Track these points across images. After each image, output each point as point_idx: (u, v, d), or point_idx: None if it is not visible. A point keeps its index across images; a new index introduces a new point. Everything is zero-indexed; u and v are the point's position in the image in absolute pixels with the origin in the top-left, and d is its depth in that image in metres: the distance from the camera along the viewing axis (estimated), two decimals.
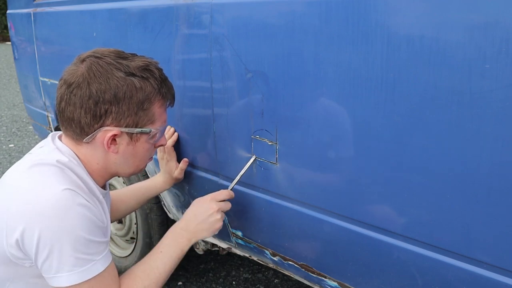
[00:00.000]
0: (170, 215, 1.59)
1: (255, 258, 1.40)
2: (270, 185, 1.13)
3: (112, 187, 1.79)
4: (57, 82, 0.97)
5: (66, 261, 0.87)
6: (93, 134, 0.94)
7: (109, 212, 1.09)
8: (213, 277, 1.96)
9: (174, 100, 1.05)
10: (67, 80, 0.93)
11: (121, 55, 0.95)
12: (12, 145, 3.87)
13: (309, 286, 1.27)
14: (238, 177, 1.16)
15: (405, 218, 0.89)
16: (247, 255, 1.42)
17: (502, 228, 0.76)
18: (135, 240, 1.75)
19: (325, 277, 1.14)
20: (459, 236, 0.82)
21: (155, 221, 1.62)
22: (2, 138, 4.09)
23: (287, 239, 1.18)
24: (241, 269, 2.02)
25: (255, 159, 1.14)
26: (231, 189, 1.17)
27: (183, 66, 1.26)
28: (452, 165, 0.79)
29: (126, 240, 1.84)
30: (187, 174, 1.38)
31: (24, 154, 1.02)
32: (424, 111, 0.79)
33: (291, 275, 1.29)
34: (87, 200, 0.91)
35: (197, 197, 1.40)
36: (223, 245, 1.47)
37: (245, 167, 1.15)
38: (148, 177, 1.51)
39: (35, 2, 2.12)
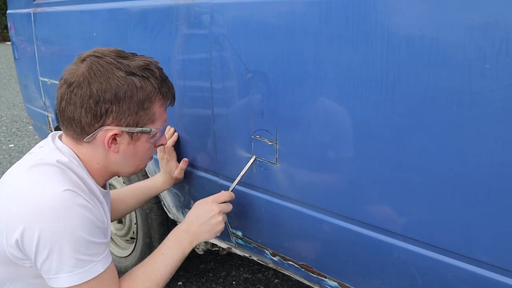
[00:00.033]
0: (170, 215, 1.59)
1: (255, 258, 1.40)
2: (270, 185, 1.13)
3: (112, 187, 1.79)
4: (57, 82, 0.97)
5: (66, 262, 0.87)
6: (94, 134, 0.94)
7: (109, 212, 1.09)
8: (213, 277, 1.96)
9: (174, 100, 1.05)
10: (67, 79, 0.93)
11: (121, 55, 0.95)
12: (12, 145, 3.87)
13: (309, 286, 1.27)
14: (238, 178, 1.16)
15: (405, 218, 0.89)
16: (247, 255, 1.42)
17: (502, 228, 0.76)
18: (135, 240, 1.75)
19: (325, 277, 1.14)
20: (459, 236, 0.82)
21: (155, 221, 1.62)
22: (2, 138, 4.09)
23: (287, 239, 1.18)
24: (241, 269, 2.02)
25: (255, 159, 1.14)
26: (231, 190, 1.17)
27: (183, 66, 1.26)
28: (452, 165, 0.79)
29: (126, 240, 1.84)
30: (187, 174, 1.38)
31: (24, 154, 1.02)
32: (424, 111, 0.79)
33: (291, 275, 1.29)
34: (87, 201, 0.91)
35: (197, 197, 1.40)
36: (223, 245, 1.47)
37: (245, 168, 1.15)
38: (148, 177, 1.51)
39: (35, 2, 2.12)
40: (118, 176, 1.73)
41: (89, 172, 0.98)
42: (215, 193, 1.30)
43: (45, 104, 2.24)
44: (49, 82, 2.09)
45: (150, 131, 0.98)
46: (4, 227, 0.87)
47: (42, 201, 0.86)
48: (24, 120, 4.76)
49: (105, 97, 0.90)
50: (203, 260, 2.07)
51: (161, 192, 1.42)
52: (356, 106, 0.89)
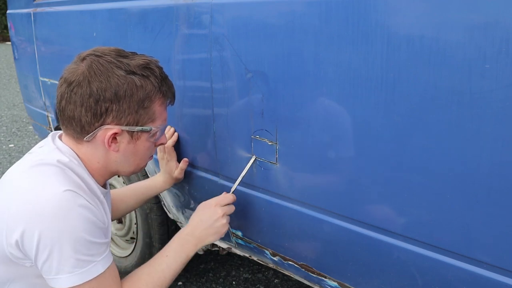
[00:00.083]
0: (170, 215, 1.59)
1: (255, 258, 1.40)
2: (270, 185, 1.13)
3: (112, 186, 1.79)
4: (57, 82, 0.97)
5: (66, 262, 0.87)
6: (94, 133, 0.93)
7: (110, 211, 1.09)
8: (213, 277, 1.96)
9: (174, 99, 1.05)
10: (67, 78, 0.93)
11: (121, 54, 0.95)
12: (12, 145, 3.87)
13: (309, 286, 1.27)
14: (239, 179, 1.16)
15: (405, 218, 0.89)
16: (247, 255, 1.42)
17: (502, 228, 0.76)
18: (135, 240, 1.75)
19: (325, 277, 1.14)
20: (459, 236, 0.82)
21: (155, 221, 1.62)
22: (2, 138, 4.09)
23: (287, 239, 1.18)
24: (241, 269, 2.02)
25: (255, 159, 1.14)
26: (233, 192, 1.18)
27: (183, 66, 1.26)
28: (452, 165, 0.79)
29: (126, 240, 1.84)
30: (187, 174, 1.38)
31: (24, 154, 1.02)
32: (424, 111, 0.79)
33: (291, 275, 1.29)
34: (88, 201, 0.91)
35: (197, 197, 1.40)
36: (223, 245, 1.47)
37: (245, 168, 1.15)
38: (148, 177, 1.51)
39: (35, 2, 2.12)
40: (118, 176, 1.74)
41: (89, 172, 0.98)
42: (215, 193, 1.30)
43: (45, 104, 2.24)
44: (49, 82, 2.09)
45: (150, 130, 0.98)
46: (4, 227, 0.87)
47: (42, 201, 0.86)
48: (24, 120, 4.76)
49: (105, 96, 0.90)
50: (203, 260, 2.07)
51: (161, 192, 1.42)
52: (356, 106, 0.89)
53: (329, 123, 0.95)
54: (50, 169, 0.91)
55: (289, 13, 0.95)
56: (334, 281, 1.12)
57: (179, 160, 1.36)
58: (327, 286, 1.15)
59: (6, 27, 14.91)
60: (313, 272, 1.16)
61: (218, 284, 1.91)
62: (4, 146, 3.84)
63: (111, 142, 0.95)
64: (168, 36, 1.27)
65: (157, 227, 1.63)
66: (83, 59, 0.93)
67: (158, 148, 1.36)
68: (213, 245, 1.54)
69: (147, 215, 1.63)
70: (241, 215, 1.25)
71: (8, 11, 2.57)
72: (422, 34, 0.77)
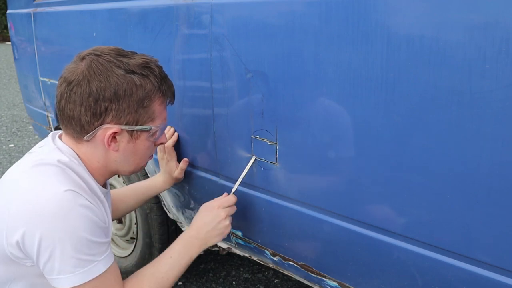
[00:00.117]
0: (170, 215, 1.59)
1: (255, 258, 1.40)
2: (270, 185, 1.13)
3: (112, 186, 1.79)
4: (57, 82, 0.97)
5: (68, 262, 0.87)
6: (93, 132, 0.93)
7: (110, 211, 1.09)
8: (213, 277, 1.96)
9: (174, 98, 1.05)
10: (67, 78, 0.93)
11: (121, 53, 0.95)
12: (12, 145, 3.87)
13: (309, 286, 1.27)
14: (240, 179, 1.16)
15: (405, 218, 0.89)
16: (247, 255, 1.42)
17: (502, 228, 0.76)
18: (135, 240, 1.75)
19: (325, 277, 1.14)
20: (459, 236, 0.82)
21: (155, 221, 1.62)
22: (2, 138, 4.09)
23: (287, 239, 1.18)
24: (241, 269, 2.02)
25: (255, 159, 1.14)
26: (234, 192, 1.18)
27: (183, 66, 1.26)
28: (452, 165, 0.79)
29: (126, 240, 1.84)
30: (187, 174, 1.38)
31: (24, 154, 1.02)
32: (424, 111, 0.79)
33: (291, 275, 1.29)
34: (89, 201, 0.91)
35: (197, 197, 1.40)
36: (223, 245, 1.47)
37: (246, 169, 1.15)
38: (148, 177, 1.51)
39: (35, 2, 2.12)
40: (118, 176, 1.74)
41: (89, 171, 0.98)
42: (215, 193, 1.30)
43: (45, 104, 2.24)
44: (49, 82, 2.09)
45: (150, 129, 0.98)
46: (5, 227, 0.87)
47: (43, 201, 0.85)
48: (24, 120, 4.76)
49: (104, 95, 0.90)
50: (203, 260, 2.07)
51: (161, 192, 1.42)
52: (356, 106, 0.89)
53: (329, 123, 0.95)
54: (50, 169, 0.91)
55: (289, 13, 0.95)
56: (334, 281, 1.12)
57: (179, 160, 1.36)
58: (327, 286, 1.15)
59: (6, 27, 14.91)
60: (313, 272, 1.16)
61: (218, 284, 1.91)
62: (4, 146, 3.84)
63: (111, 142, 0.95)
64: (168, 36, 1.27)
65: (157, 227, 1.63)
66: (83, 58, 0.93)
67: (158, 148, 1.36)
68: (213, 245, 1.54)
69: (147, 215, 1.63)
70: (241, 215, 1.25)
71: (8, 11, 2.57)
72: (422, 34, 0.77)
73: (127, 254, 1.80)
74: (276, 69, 1.01)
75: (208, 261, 2.07)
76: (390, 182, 0.88)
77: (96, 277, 0.90)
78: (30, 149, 1.03)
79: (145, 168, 1.56)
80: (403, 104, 0.82)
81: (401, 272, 0.95)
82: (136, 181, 1.52)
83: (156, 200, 1.58)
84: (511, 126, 0.71)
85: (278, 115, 1.04)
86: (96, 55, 0.93)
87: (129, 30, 1.41)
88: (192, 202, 1.45)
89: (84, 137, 0.94)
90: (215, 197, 1.32)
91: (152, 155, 1.08)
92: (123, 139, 0.97)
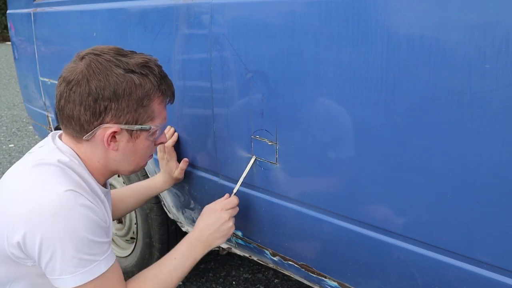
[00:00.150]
0: (170, 215, 1.59)
1: (255, 258, 1.40)
2: (270, 185, 1.13)
3: (112, 186, 1.79)
4: (57, 82, 0.97)
5: (69, 263, 0.87)
6: (93, 132, 0.93)
7: (110, 211, 1.09)
8: (213, 277, 1.96)
9: (173, 97, 1.05)
10: (66, 77, 0.93)
11: (120, 52, 0.95)
12: (12, 145, 3.87)
13: (309, 286, 1.27)
14: (241, 180, 1.16)
15: (405, 218, 0.89)
16: (247, 255, 1.42)
17: (502, 228, 0.76)
18: (135, 240, 1.75)
19: (325, 277, 1.14)
20: (459, 236, 0.82)
21: (155, 221, 1.62)
22: (2, 138, 4.09)
23: (287, 239, 1.18)
24: (241, 269, 2.02)
25: (255, 159, 1.14)
26: (235, 193, 1.18)
27: (183, 66, 1.26)
28: (452, 165, 0.79)
29: (126, 240, 1.84)
30: (187, 174, 1.38)
31: (24, 154, 1.02)
32: (424, 111, 0.79)
33: (291, 275, 1.29)
34: (89, 201, 0.91)
35: (197, 197, 1.40)
36: (223, 245, 1.47)
37: (246, 169, 1.15)
38: (148, 177, 1.51)
39: (35, 2, 2.12)
40: (118, 176, 1.74)
41: (89, 171, 0.98)
42: (215, 193, 1.30)
43: (45, 104, 2.24)
44: (49, 82, 2.09)
45: (150, 128, 0.98)
46: (5, 228, 0.87)
47: (43, 202, 0.85)
48: (24, 120, 4.76)
49: (104, 94, 0.90)
50: (203, 260, 2.07)
51: (161, 192, 1.42)
52: (356, 106, 0.89)
53: (329, 123, 0.95)
54: (50, 169, 0.91)
55: (289, 13, 0.95)
56: (334, 281, 1.12)
57: (179, 160, 1.36)
58: (327, 286, 1.15)
59: (6, 27, 14.91)
60: (313, 272, 1.16)
61: (218, 284, 1.91)
62: (4, 146, 3.84)
63: (110, 141, 0.95)
64: (168, 36, 1.27)
65: (157, 227, 1.63)
66: (82, 58, 0.93)
67: (158, 148, 1.36)
68: None
69: (147, 215, 1.63)
70: (241, 215, 1.25)
71: (8, 11, 2.57)
72: (422, 34, 0.77)
73: (127, 254, 1.80)
74: (276, 69, 1.01)
75: (208, 261, 2.07)
76: (390, 182, 0.88)
77: (98, 276, 0.90)
78: (30, 149, 1.03)
79: (145, 168, 1.56)
80: (403, 104, 0.82)
81: (401, 272, 0.95)
82: (136, 181, 1.52)
83: (156, 200, 1.58)
84: (511, 126, 0.71)
85: (278, 115, 1.04)
86: (95, 54, 0.93)
87: (129, 30, 1.41)
88: (192, 202, 1.45)
89: (84, 137, 0.94)
90: (215, 197, 1.32)
91: (152, 155, 1.08)
92: (123, 138, 0.97)
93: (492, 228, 0.77)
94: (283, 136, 1.05)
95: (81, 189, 0.91)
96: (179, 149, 1.37)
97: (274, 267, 1.34)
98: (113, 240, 1.88)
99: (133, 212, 1.69)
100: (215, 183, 1.30)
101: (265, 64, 1.03)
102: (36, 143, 1.06)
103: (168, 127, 1.36)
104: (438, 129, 0.79)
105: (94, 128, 0.93)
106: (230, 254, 1.95)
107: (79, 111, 0.91)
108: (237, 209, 1.16)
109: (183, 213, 1.53)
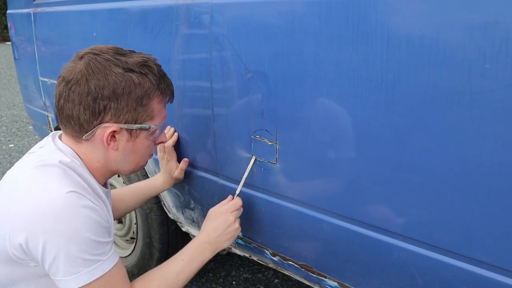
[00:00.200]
0: (170, 215, 1.59)
1: (255, 258, 1.40)
2: (270, 185, 1.13)
3: (112, 186, 1.78)
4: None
5: (73, 263, 0.87)
6: (93, 131, 0.93)
7: (111, 210, 1.09)
8: (213, 277, 1.96)
9: (173, 96, 1.05)
10: (65, 77, 0.92)
11: (119, 52, 0.95)
12: (12, 145, 3.87)
13: (309, 286, 1.27)
14: (242, 181, 1.17)
15: (405, 218, 0.89)
16: (247, 255, 1.42)
17: (502, 228, 0.76)
18: (135, 240, 1.75)
19: (325, 277, 1.14)
20: (459, 236, 0.82)
21: (155, 221, 1.62)
22: (2, 138, 4.09)
23: (287, 239, 1.18)
24: (241, 269, 2.02)
25: (255, 160, 1.14)
26: (238, 194, 1.18)
27: (183, 66, 1.26)
28: (452, 165, 0.79)
29: (126, 240, 1.84)
30: (187, 174, 1.38)
31: (24, 154, 1.02)
32: (424, 111, 0.79)
33: (291, 275, 1.29)
34: (92, 202, 0.91)
35: (197, 197, 1.40)
36: None
37: (247, 170, 1.15)
38: (148, 177, 1.51)
39: (35, 2, 2.12)
40: (118, 176, 1.74)
41: (90, 171, 0.98)
42: (215, 193, 1.30)
43: (45, 104, 2.24)
44: (49, 82, 2.09)
45: (149, 128, 0.98)
46: (7, 229, 0.86)
47: (45, 204, 0.85)
48: (24, 120, 4.76)
49: (103, 93, 0.90)
50: None
51: (161, 192, 1.42)
52: (356, 106, 0.89)
53: (329, 123, 0.95)
54: (52, 170, 0.91)
55: (289, 13, 0.95)
56: (334, 281, 1.12)
57: (179, 160, 1.36)
58: (327, 286, 1.15)
59: (6, 27, 14.90)
60: (313, 272, 1.16)
61: (218, 284, 1.91)
62: (4, 146, 3.84)
63: (110, 141, 0.95)
64: (168, 36, 1.27)
65: (157, 227, 1.63)
66: (81, 57, 0.93)
67: (158, 148, 1.36)
68: None
69: (147, 215, 1.63)
70: (242, 215, 1.25)
71: (8, 11, 2.57)
72: (422, 34, 0.77)
73: (127, 254, 1.80)
74: (276, 69, 1.01)
75: (208, 261, 2.07)
76: (390, 182, 0.88)
77: (102, 275, 0.90)
78: (30, 149, 1.03)
79: (145, 168, 1.56)
80: (403, 104, 0.82)
81: (401, 272, 0.95)
82: (136, 181, 1.52)
83: (156, 200, 1.58)
84: (511, 126, 0.71)
85: (278, 115, 1.04)
86: (94, 54, 0.93)
87: (129, 30, 1.41)
88: (192, 202, 1.45)
89: (83, 136, 0.94)
90: (215, 197, 1.32)
91: (152, 154, 1.08)
92: (123, 137, 0.96)
93: (492, 228, 0.77)
94: (283, 136, 1.05)
95: (83, 190, 0.91)
96: (179, 149, 1.37)
97: (274, 267, 1.34)
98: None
99: (133, 212, 1.69)
100: (215, 183, 1.30)
101: (265, 64, 1.03)
102: (36, 143, 1.06)
103: (168, 127, 1.36)
104: (438, 129, 0.79)
105: (94, 127, 0.93)
106: (230, 254, 1.95)
107: (78, 111, 0.91)
108: (241, 210, 1.17)
109: (183, 213, 1.53)
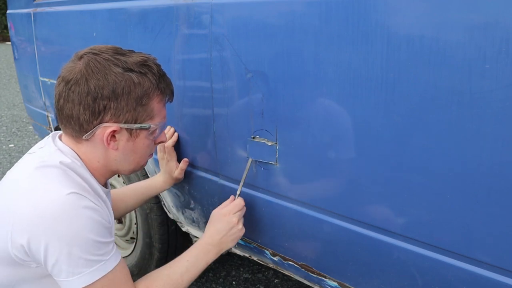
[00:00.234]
0: (170, 215, 1.59)
1: (255, 258, 1.40)
2: (270, 185, 1.13)
3: (112, 186, 1.78)
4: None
5: (76, 264, 0.87)
6: (92, 131, 0.93)
7: (112, 210, 1.09)
8: (213, 277, 1.96)
9: (172, 96, 1.05)
10: (65, 77, 0.92)
11: (118, 51, 0.95)
12: (12, 145, 3.88)
13: (309, 286, 1.27)
14: (242, 182, 1.17)
15: (405, 218, 0.89)
16: (247, 255, 1.42)
17: (502, 228, 0.76)
18: (135, 240, 1.75)
19: (325, 277, 1.14)
20: (459, 236, 0.82)
21: (155, 221, 1.62)
22: (2, 138, 4.09)
23: (287, 239, 1.18)
24: (241, 269, 2.02)
25: (251, 161, 1.14)
26: (239, 195, 1.18)
27: (183, 66, 1.26)
28: (452, 165, 0.79)
29: (126, 240, 1.84)
30: (187, 174, 1.38)
31: (24, 155, 1.02)
32: (424, 111, 0.79)
33: (291, 275, 1.29)
34: (93, 202, 0.91)
35: (197, 197, 1.40)
36: None
37: (245, 172, 1.15)
38: (148, 177, 1.51)
39: (35, 2, 2.12)
40: (118, 176, 1.74)
41: (90, 172, 0.98)
42: (215, 193, 1.30)
43: (45, 104, 2.24)
44: (49, 82, 2.09)
45: (149, 127, 0.98)
46: (9, 229, 0.86)
47: (46, 205, 0.85)
48: (24, 120, 4.76)
49: (103, 93, 0.90)
50: None
51: (161, 192, 1.42)
52: (356, 106, 0.89)
53: (329, 123, 0.95)
54: (52, 171, 0.90)
55: (289, 13, 0.95)
56: (334, 281, 1.12)
57: (179, 160, 1.36)
58: (327, 286, 1.15)
59: (6, 27, 14.91)
60: (313, 272, 1.16)
61: (218, 284, 1.91)
62: (4, 146, 3.84)
63: (110, 140, 0.95)
64: (168, 36, 1.27)
65: (157, 227, 1.63)
66: (81, 57, 0.93)
67: (158, 148, 1.36)
68: None
69: (147, 215, 1.63)
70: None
71: (8, 11, 2.57)
72: (422, 34, 0.77)
73: (127, 254, 1.80)
74: (276, 69, 1.01)
75: None
76: (390, 182, 0.88)
77: (105, 275, 0.90)
78: (29, 150, 1.03)
79: (145, 168, 1.56)
80: (403, 104, 0.82)
81: (401, 272, 0.95)
82: (136, 181, 1.52)
83: (156, 200, 1.58)
84: (511, 126, 0.71)
85: (278, 115, 1.04)
86: (93, 53, 0.92)
87: (129, 30, 1.41)
88: (192, 202, 1.45)
89: (83, 136, 0.94)
90: (215, 197, 1.32)
91: (152, 154, 1.08)
92: (122, 137, 0.96)
93: (492, 228, 0.77)
94: (283, 136, 1.05)
95: (84, 191, 0.91)
96: (179, 149, 1.37)
97: (274, 267, 1.34)
98: None
99: (133, 212, 1.69)
100: (215, 183, 1.30)
101: (265, 64, 1.03)
102: (36, 143, 1.06)
103: (168, 127, 1.36)
104: (438, 129, 0.79)
105: (94, 127, 0.93)
106: (230, 254, 1.95)
107: (78, 111, 0.91)
108: (244, 209, 1.17)
109: (183, 213, 1.53)
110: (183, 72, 1.26)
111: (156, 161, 1.41)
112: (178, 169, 1.34)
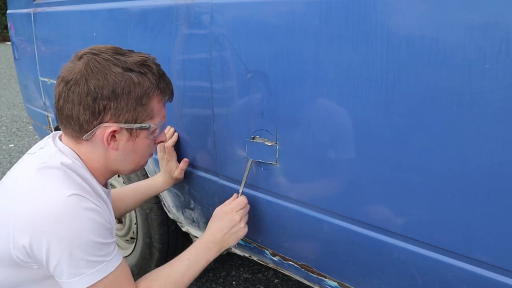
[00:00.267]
0: (170, 215, 1.59)
1: (255, 258, 1.40)
2: (270, 185, 1.13)
3: (112, 186, 1.78)
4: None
5: (77, 265, 0.87)
6: (92, 131, 0.93)
7: (112, 211, 1.09)
8: (213, 277, 1.96)
9: (172, 95, 1.05)
10: (65, 77, 0.92)
11: (118, 51, 0.95)
12: (12, 145, 3.87)
13: (309, 286, 1.27)
14: (244, 181, 1.17)
15: (405, 218, 0.89)
16: (247, 255, 1.42)
17: (502, 228, 0.76)
18: (135, 240, 1.75)
19: (325, 277, 1.14)
20: (459, 236, 0.82)
21: (155, 221, 1.62)
22: (2, 138, 4.09)
23: (287, 239, 1.18)
24: (241, 269, 2.02)
25: (251, 161, 1.14)
26: (241, 193, 1.18)
27: (183, 66, 1.26)
28: (452, 165, 0.79)
29: (126, 240, 1.84)
30: (187, 174, 1.38)
31: (24, 155, 1.02)
32: (424, 111, 0.79)
33: (291, 275, 1.29)
34: (94, 203, 0.91)
35: (197, 197, 1.40)
36: None
37: (246, 171, 1.15)
38: (148, 177, 1.51)
39: (35, 2, 2.12)
40: (118, 176, 1.74)
41: (90, 172, 0.98)
42: (215, 193, 1.30)
43: (45, 104, 2.24)
44: (49, 82, 2.09)
45: (149, 127, 0.98)
46: (11, 230, 0.86)
47: (49, 207, 0.85)
48: (24, 120, 4.76)
49: (102, 93, 0.90)
50: None
51: (161, 192, 1.42)
52: (356, 106, 0.89)
53: (329, 123, 0.95)
54: (53, 173, 0.90)
55: (289, 13, 0.95)
56: (334, 281, 1.12)
57: (179, 160, 1.36)
58: (327, 286, 1.15)
59: (6, 27, 14.90)
60: (313, 272, 1.16)
61: (218, 284, 1.91)
62: (4, 146, 3.84)
63: (110, 140, 0.95)
64: (168, 36, 1.27)
65: (157, 227, 1.63)
66: (80, 57, 0.93)
67: (158, 148, 1.36)
68: None
69: (147, 215, 1.63)
70: None
71: (8, 11, 2.57)
72: (422, 34, 0.77)
73: (127, 254, 1.80)
74: (276, 69, 1.01)
75: None
76: (390, 182, 0.88)
77: (107, 275, 0.90)
78: (29, 150, 1.03)
79: (145, 168, 1.56)
80: (403, 104, 0.82)
81: (401, 272, 0.95)
82: (136, 181, 1.52)
83: (156, 200, 1.58)
84: (511, 126, 0.71)
85: (278, 115, 1.04)
86: (93, 53, 0.92)
87: (129, 30, 1.41)
88: (192, 202, 1.45)
89: (83, 137, 0.94)
90: (215, 197, 1.32)
91: (152, 154, 1.08)
92: (123, 137, 0.96)
93: (492, 228, 0.77)
94: (283, 136, 1.05)
95: (85, 192, 0.91)
96: (179, 149, 1.37)
97: (274, 267, 1.34)
98: None
99: (133, 212, 1.69)
100: (215, 183, 1.30)
101: (265, 64, 1.03)
102: (36, 143, 1.06)
103: (168, 127, 1.36)
104: (438, 129, 0.79)
105: (94, 127, 0.93)
106: (230, 254, 1.95)
107: (78, 111, 0.91)
108: (248, 207, 1.17)
109: (183, 213, 1.53)
110: (183, 72, 1.26)
111: (156, 161, 1.41)
112: (178, 169, 1.34)
